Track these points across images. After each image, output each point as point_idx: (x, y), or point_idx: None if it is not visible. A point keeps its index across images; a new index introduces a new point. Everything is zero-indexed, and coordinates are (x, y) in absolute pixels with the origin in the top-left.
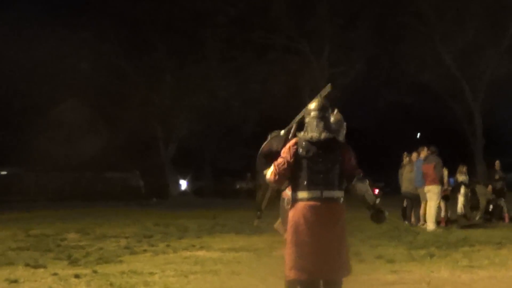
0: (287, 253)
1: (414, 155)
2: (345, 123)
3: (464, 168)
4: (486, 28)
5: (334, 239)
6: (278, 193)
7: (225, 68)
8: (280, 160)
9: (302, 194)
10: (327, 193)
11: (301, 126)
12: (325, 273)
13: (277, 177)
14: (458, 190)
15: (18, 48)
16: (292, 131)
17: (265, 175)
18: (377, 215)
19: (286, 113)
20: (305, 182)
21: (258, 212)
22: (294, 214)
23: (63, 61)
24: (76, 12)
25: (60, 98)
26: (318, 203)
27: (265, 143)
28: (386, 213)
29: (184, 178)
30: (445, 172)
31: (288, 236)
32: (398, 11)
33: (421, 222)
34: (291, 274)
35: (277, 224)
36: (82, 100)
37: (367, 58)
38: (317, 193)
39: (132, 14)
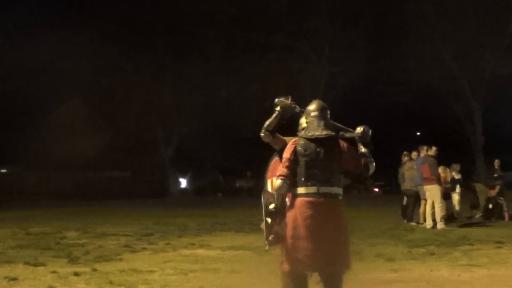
0: (283, 246)
1: (414, 153)
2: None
3: (457, 166)
4: (486, 27)
5: (332, 233)
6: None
7: (225, 67)
8: (283, 160)
9: (299, 190)
10: (324, 189)
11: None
12: (322, 266)
13: (285, 172)
14: (454, 189)
15: (19, 48)
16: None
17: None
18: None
19: None
20: (303, 179)
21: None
22: (292, 209)
23: (64, 60)
24: (77, 12)
25: (61, 98)
26: (314, 199)
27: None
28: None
29: (184, 177)
30: (447, 172)
31: (287, 231)
32: (399, 10)
33: (421, 220)
34: (283, 267)
35: (263, 225)
36: (83, 100)
37: (367, 57)
38: (314, 189)
39: (133, 13)
